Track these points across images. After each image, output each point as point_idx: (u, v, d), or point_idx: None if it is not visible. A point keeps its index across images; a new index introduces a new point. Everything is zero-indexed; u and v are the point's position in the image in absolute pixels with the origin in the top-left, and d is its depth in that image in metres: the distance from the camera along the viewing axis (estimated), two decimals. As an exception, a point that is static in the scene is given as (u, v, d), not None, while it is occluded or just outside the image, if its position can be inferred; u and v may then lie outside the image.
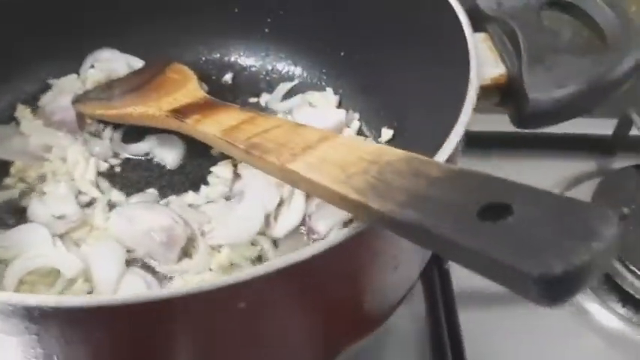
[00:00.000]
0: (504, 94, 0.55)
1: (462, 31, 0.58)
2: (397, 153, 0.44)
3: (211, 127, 0.62)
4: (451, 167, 0.41)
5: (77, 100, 0.75)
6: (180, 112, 0.66)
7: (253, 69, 0.84)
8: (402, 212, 0.37)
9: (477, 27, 0.59)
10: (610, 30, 0.56)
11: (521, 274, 0.31)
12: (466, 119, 0.48)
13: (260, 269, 0.39)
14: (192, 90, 0.71)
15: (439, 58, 0.63)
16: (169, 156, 0.73)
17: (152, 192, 0.69)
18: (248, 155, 0.55)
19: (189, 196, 0.69)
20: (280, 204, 0.67)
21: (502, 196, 0.34)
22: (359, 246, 0.44)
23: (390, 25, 0.71)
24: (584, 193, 0.81)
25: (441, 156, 0.46)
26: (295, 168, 0.48)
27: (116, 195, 0.69)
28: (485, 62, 0.56)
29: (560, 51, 0.54)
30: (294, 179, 0.49)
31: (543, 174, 0.85)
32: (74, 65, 0.80)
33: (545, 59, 0.53)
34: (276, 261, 0.39)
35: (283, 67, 0.83)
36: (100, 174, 0.71)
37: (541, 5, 0.60)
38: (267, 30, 0.82)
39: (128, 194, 0.69)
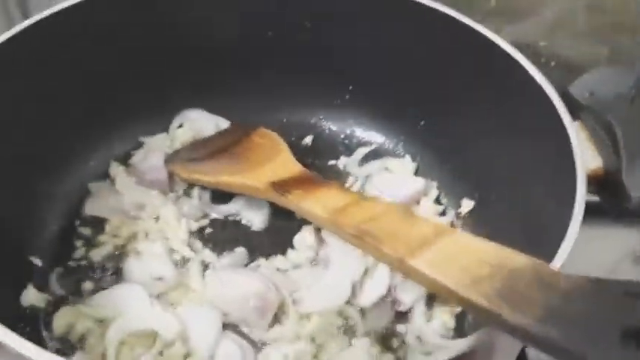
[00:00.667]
0: (601, 186, 0.57)
1: (559, 116, 0.60)
2: (520, 259, 0.45)
3: (316, 206, 0.64)
4: (581, 278, 0.42)
5: (169, 161, 0.78)
6: (279, 186, 0.69)
7: (333, 132, 0.87)
8: (540, 328, 0.39)
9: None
10: None
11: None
12: (580, 218, 0.50)
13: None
14: (288, 162, 0.74)
15: (529, 138, 0.65)
16: (256, 217, 0.76)
17: (241, 251, 0.72)
18: (359, 240, 0.57)
19: (278, 260, 0.71)
20: (365, 273, 0.69)
21: None
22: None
23: (475, 100, 0.73)
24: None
25: (560, 258, 0.47)
26: (416, 265, 0.49)
27: (208, 254, 0.72)
28: (584, 152, 0.58)
29: (658, 149, 0.55)
30: (411, 273, 0.51)
31: (613, 242, 0.85)
32: (164, 124, 0.84)
33: (644, 156, 0.55)
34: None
35: (362, 132, 0.86)
36: (190, 233, 0.74)
37: (633, 96, 0.62)
38: (348, 96, 0.85)
39: (218, 254, 0.72)
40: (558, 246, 0.51)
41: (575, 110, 0.63)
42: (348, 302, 0.67)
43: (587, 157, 0.58)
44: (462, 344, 0.42)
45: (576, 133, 0.57)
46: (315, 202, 0.64)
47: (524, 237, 0.62)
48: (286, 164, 0.73)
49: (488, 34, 0.69)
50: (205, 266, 0.71)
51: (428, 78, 0.77)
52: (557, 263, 0.47)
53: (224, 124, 0.85)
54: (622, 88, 0.62)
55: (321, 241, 0.72)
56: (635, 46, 1.06)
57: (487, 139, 0.72)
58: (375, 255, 0.57)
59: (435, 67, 0.76)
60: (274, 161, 0.74)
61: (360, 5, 0.77)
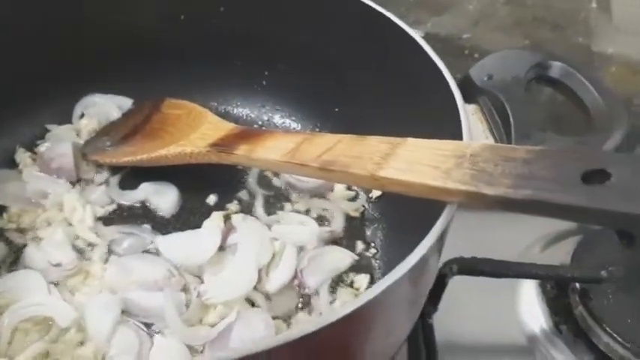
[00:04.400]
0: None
1: (454, 100, 0.61)
2: (475, 145, 0.49)
3: (270, 153, 0.63)
4: (534, 148, 0.46)
5: (88, 152, 0.77)
6: (220, 145, 0.68)
7: (249, 119, 0.86)
8: (516, 192, 0.44)
9: (468, 97, 0.62)
10: (594, 108, 0.59)
11: (628, 217, 0.41)
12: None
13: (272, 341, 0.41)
14: (217, 122, 0.73)
15: (430, 121, 0.66)
16: (165, 204, 0.75)
17: (146, 235, 0.71)
18: (324, 172, 0.57)
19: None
20: (272, 258, 0.68)
21: (600, 164, 0.42)
22: (358, 319, 0.45)
23: (382, 87, 0.73)
24: (564, 250, 0.83)
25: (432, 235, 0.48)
26: (388, 175, 0.52)
27: (112, 240, 0.70)
28: (475, 133, 0.59)
29: (547, 129, 0.57)
30: (385, 184, 0.53)
31: (524, 230, 0.87)
32: (70, 109, 0.82)
33: (532, 136, 0.56)
34: (288, 333, 0.41)
35: (279, 118, 0.86)
36: (96, 219, 0.72)
37: (529, 79, 0.63)
38: (264, 82, 0.85)
39: (124, 239, 0.70)
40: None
41: (474, 93, 0.64)
42: (254, 288, 0.66)
43: (478, 137, 0.59)
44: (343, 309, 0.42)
45: (466, 115, 0.57)
46: (267, 150, 0.63)
47: (424, 215, 0.63)
48: (217, 124, 0.72)
49: (395, 20, 0.70)
50: (110, 252, 0.69)
51: (341, 65, 0.78)
52: (427, 241, 0.47)
53: (126, 103, 0.84)
54: (519, 71, 0.63)
55: (230, 227, 0.71)
56: (554, 39, 1.09)
57: (394, 125, 0.71)
58: (344, 180, 0.59)
59: (347, 54, 0.77)
60: (203, 124, 0.72)
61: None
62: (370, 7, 0.72)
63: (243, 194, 0.78)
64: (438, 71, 0.64)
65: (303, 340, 0.40)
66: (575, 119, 0.61)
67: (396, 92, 0.72)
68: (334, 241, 0.73)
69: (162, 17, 0.80)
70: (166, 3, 0.79)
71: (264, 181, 0.79)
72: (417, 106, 0.68)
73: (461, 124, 0.58)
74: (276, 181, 0.79)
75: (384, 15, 0.71)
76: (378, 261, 0.72)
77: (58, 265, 0.66)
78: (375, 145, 0.56)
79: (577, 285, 0.76)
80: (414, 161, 0.51)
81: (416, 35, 0.68)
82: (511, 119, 0.57)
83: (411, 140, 0.54)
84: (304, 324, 0.41)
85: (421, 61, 0.66)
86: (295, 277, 0.68)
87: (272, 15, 0.79)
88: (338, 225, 0.74)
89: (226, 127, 0.71)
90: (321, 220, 0.75)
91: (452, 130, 0.59)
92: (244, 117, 0.86)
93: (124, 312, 0.62)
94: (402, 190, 0.52)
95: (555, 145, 0.55)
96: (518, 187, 0.44)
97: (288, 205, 0.77)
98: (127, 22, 0.80)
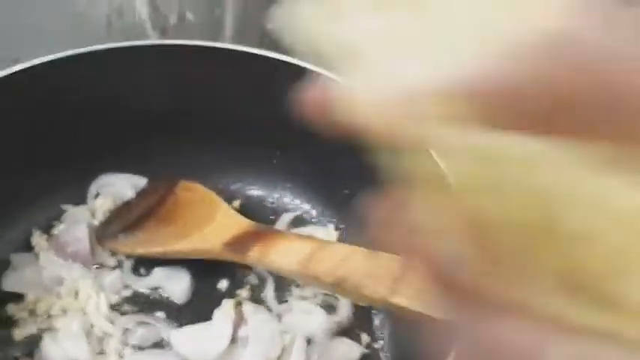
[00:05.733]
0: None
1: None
2: None
3: (283, 259, 0.64)
4: None
5: (103, 238, 0.78)
6: (234, 245, 0.69)
7: (260, 197, 0.88)
8: None
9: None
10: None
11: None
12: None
13: None
14: (232, 217, 0.74)
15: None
16: (177, 291, 0.76)
17: (160, 326, 0.72)
18: (337, 287, 0.59)
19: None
20: (282, 351, 0.70)
21: None
22: None
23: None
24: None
25: None
26: (401, 303, 0.53)
27: (127, 330, 0.72)
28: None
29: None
30: (392, 309, 0.55)
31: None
32: (85, 188, 0.84)
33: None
34: None
35: (288, 197, 0.87)
36: (111, 307, 0.74)
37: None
38: (275, 161, 0.86)
39: (138, 328, 0.72)
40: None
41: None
42: (264, 385, 0.68)
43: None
44: None
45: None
46: (280, 255, 0.65)
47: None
48: (231, 219, 0.74)
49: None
50: (125, 343, 0.71)
51: (345, 149, 0.78)
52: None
53: (141, 182, 0.85)
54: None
55: (240, 317, 0.72)
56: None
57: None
58: (357, 299, 0.61)
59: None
60: (216, 218, 0.74)
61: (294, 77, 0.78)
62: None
63: (252, 278, 0.79)
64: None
65: None
66: None
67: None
68: (341, 331, 0.75)
69: (174, 99, 0.82)
70: (179, 87, 0.81)
71: (272, 264, 0.80)
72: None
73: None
74: (284, 264, 0.81)
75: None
76: (386, 354, 0.73)
77: (74, 361, 0.67)
78: (387, 264, 0.57)
79: None
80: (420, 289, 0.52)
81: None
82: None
83: None
84: None
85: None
86: (304, 371, 0.70)
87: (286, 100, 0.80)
88: (345, 314, 0.75)
89: (241, 225, 0.73)
90: (326, 306, 0.76)
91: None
92: (255, 196, 0.87)
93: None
94: (413, 318, 0.53)
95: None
96: None
97: (296, 291, 0.78)
98: (136, 105, 0.81)
